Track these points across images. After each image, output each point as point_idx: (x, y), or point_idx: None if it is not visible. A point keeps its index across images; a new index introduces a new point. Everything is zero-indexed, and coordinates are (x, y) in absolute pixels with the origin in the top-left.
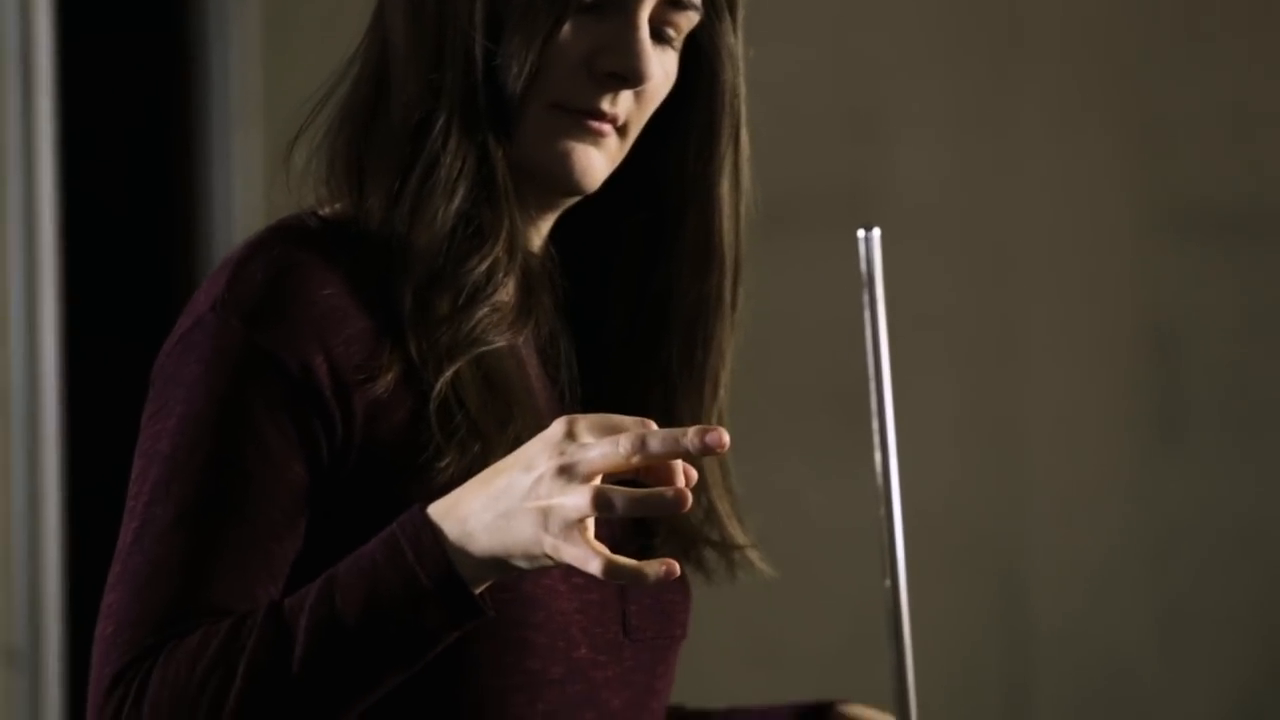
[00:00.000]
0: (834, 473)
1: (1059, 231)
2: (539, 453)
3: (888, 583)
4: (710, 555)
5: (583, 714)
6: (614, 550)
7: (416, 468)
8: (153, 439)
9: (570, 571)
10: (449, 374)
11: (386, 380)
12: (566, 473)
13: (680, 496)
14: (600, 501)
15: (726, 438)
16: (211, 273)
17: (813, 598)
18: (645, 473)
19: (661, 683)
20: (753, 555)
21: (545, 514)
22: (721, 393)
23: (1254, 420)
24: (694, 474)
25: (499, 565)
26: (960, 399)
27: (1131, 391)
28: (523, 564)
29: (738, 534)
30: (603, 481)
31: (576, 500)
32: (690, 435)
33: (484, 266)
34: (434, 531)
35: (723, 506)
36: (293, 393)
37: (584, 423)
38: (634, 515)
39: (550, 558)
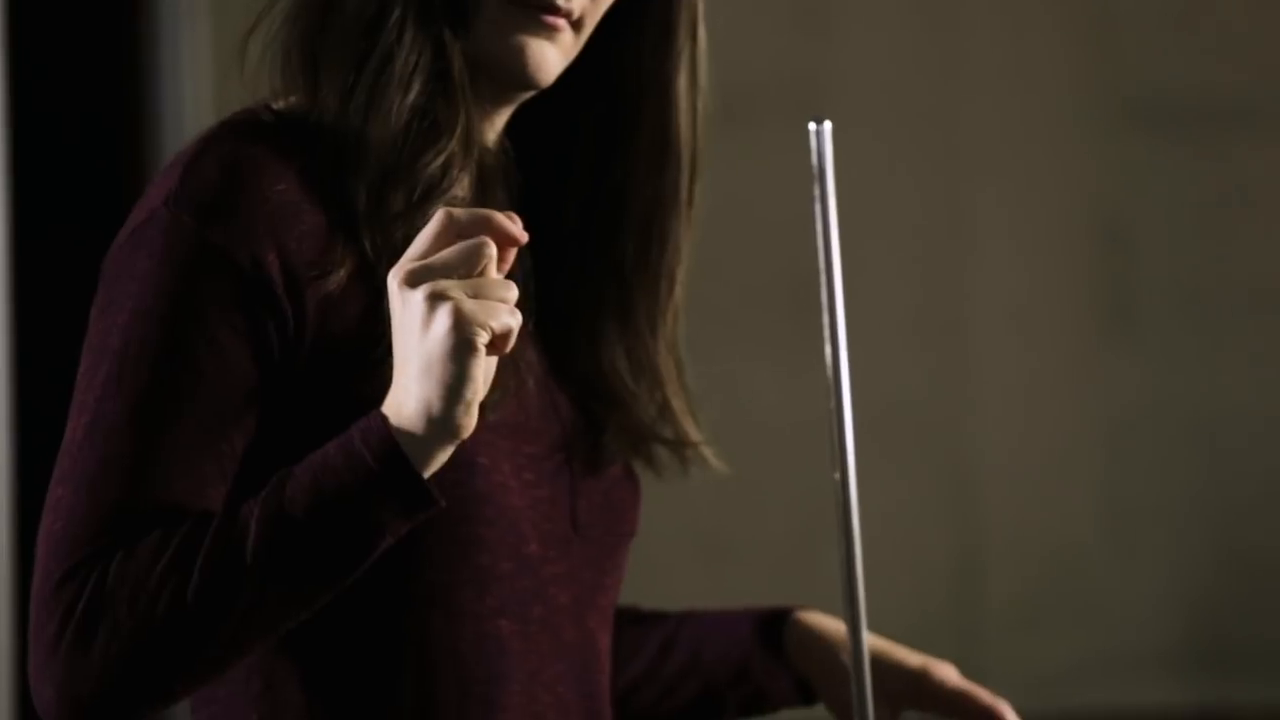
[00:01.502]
0: (786, 367)
1: (1009, 124)
2: (400, 293)
3: (837, 476)
4: (662, 452)
5: (531, 609)
6: (565, 446)
7: (369, 364)
8: (103, 334)
9: (520, 468)
10: None
11: (339, 277)
12: (428, 275)
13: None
14: (450, 217)
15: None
16: (164, 167)
17: (763, 493)
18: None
19: (610, 579)
20: (706, 452)
21: (432, 306)
22: (678, 289)
23: (1203, 311)
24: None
25: (446, 416)
26: (911, 293)
27: (1081, 284)
28: (467, 388)
29: (691, 430)
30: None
31: (450, 261)
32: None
33: (439, 161)
34: (380, 419)
35: (677, 403)
36: (245, 289)
37: (407, 253)
38: (480, 233)
39: (467, 326)
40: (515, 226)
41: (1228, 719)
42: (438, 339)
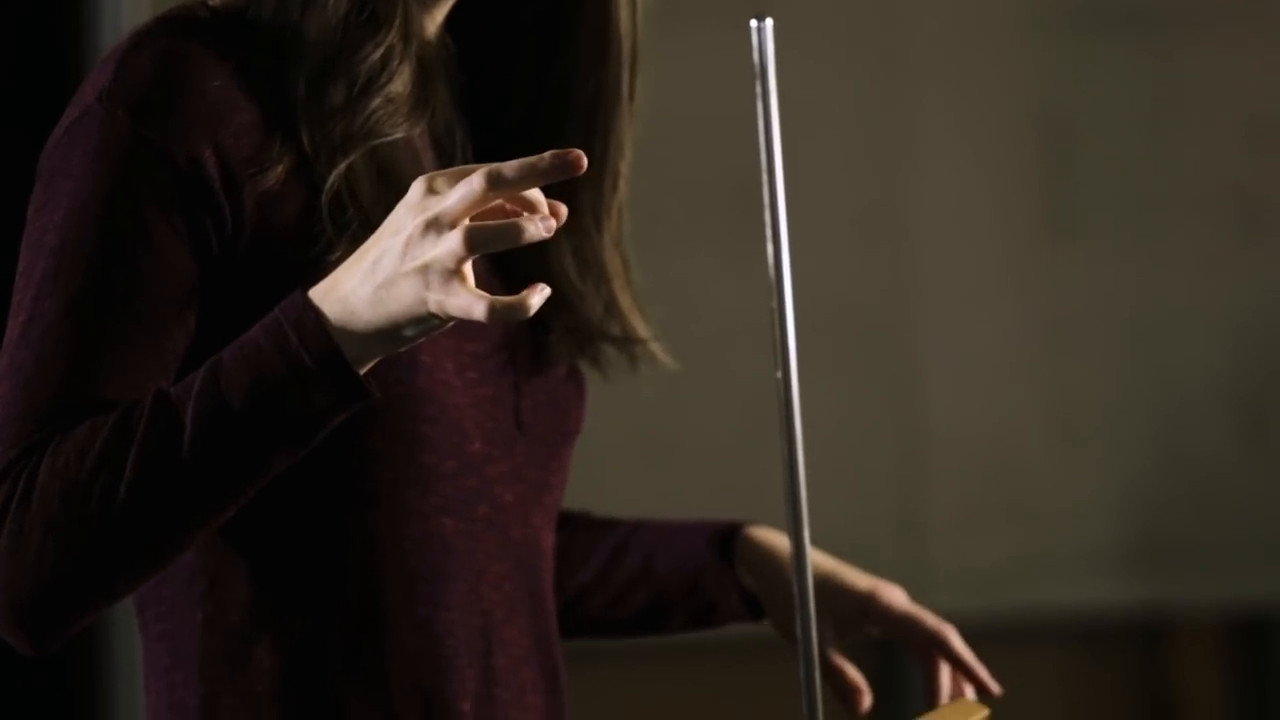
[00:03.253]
0: (730, 267)
1: (953, 25)
2: (403, 216)
3: (779, 376)
4: (609, 350)
5: (475, 508)
6: (508, 345)
7: (308, 261)
8: (39, 231)
9: (464, 367)
10: (342, 167)
11: (277, 173)
12: (434, 226)
13: (557, 212)
14: (471, 240)
15: (584, 158)
16: (99, 62)
17: (707, 394)
18: (515, 212)
19: (555, 478)
20: (655, 348)
21: (423, 272)
22: (622, 185)
23: (1145, 214)
24: (562, 209)
25: (386, 337)
26: (854, 194)
27: (1024, 186)
28: (410, 331)
29: (639, 327)
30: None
31: (449, 246)
32: (546, 157)
33: (378, 54)
34: (315, 313)
35: (624, 300)
36: (181, 186)
37: (441, 178)
38: (505, 246)
39: (436, 315)
40: (551, 222)
41: (1165, 616)
42: (403, 300)
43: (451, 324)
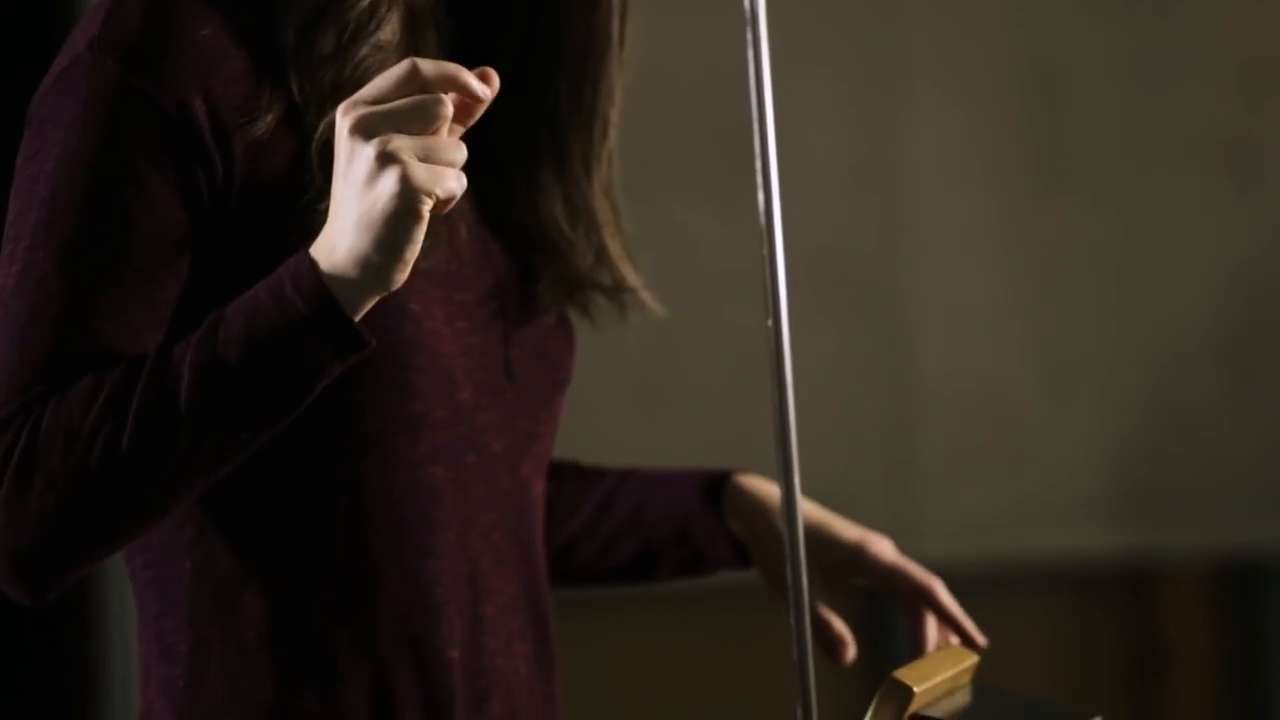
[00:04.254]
0: (720, 214)
1: None
2: (349, 141)
3: (770, 324)
4: (598, 299)
5: (464, 457)
6: (498, 294)
7: (298, 209)
8: (30, 180)
9: (453, 316)
10: (332, 115)
11: (267, 121)
12: (380, 126)
13: (487, 78)
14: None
15: (490, 81)
16: (90, 10)
17: (697, 341)
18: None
19: (545, 428)
20: (645, 296)
21: (398, 172)
22: (612, 133)
23: (1137, 164)
24: (493, 76)
25: (381, 270)
26: (846, 142)
27: (1015, 134)
28: (407, 249)
29: (629, 274)
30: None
31: (405, 113)
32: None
33: (366, 2)
34: (310, 263)
35: (614, 247)
36: (171, 135)
37: (362, 94)
38: (445, 87)
39: (429, 193)
40: (481, 85)
41: (1156, 564)
42: (381, 199)
43: (435, 213)
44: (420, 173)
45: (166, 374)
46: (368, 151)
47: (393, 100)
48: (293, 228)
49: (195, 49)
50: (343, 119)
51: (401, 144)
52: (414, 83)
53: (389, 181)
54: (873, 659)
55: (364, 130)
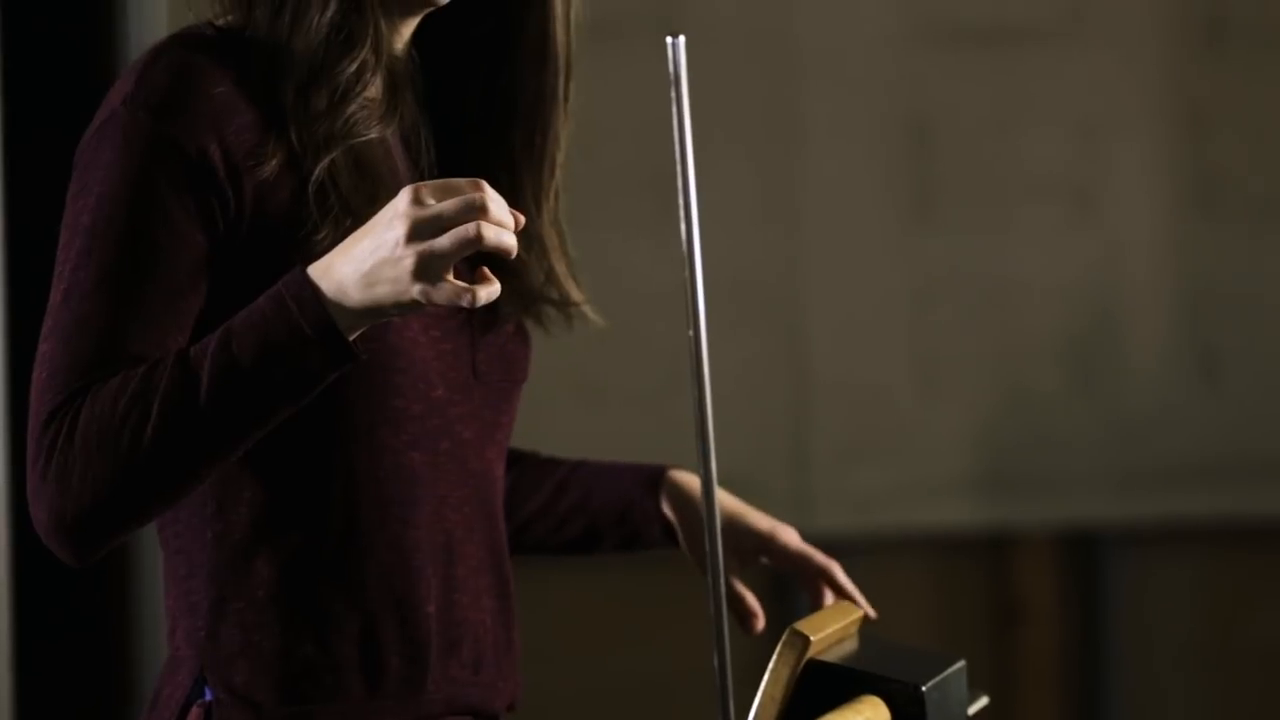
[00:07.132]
0: (650, 243)
1: (838, 43)
2: (392, 219)
3: (691, 334)
4: (549, 311)
5: (439, 443)
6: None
7: (298, 240)
8: (76, 214)
9: (428, 326)
10: (325, 161)
11: (271, 165)
12: (422, 234)
13: (516, 219)
14: (457, 247)
15: (522, 219)
16: (123, 72)
17: (631, 347)
18: None
19: (506, 418)
20: (587, 309)
21: (414, 267)
22: (558, 173)
23: (995, 198)
24: (521, 218)
25: (372, 314)
26: (753, 182)
27: (894, 177)
28: (394, 312)
29: (574, 291)
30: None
31: (443, 244)
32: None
33: (354, 67)
34: (314, 289)
35: (560, 268)
36: (192, 174)
37: (425, 189)
38: (492, 246)
39: (419, 301)
40: (513, 243)
41: (1010, 533)
42: (398, 285)
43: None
44: (438, 297)
45: (186, 375)
46: (410, 252)
47: (449, 211)
48: (293, 254)
49: (212, 104)
50: (409, 203)
51: (440, 257)
52: (474, 211)
53: (405, 282)
54: (779, 614)
55: (416, 232)
